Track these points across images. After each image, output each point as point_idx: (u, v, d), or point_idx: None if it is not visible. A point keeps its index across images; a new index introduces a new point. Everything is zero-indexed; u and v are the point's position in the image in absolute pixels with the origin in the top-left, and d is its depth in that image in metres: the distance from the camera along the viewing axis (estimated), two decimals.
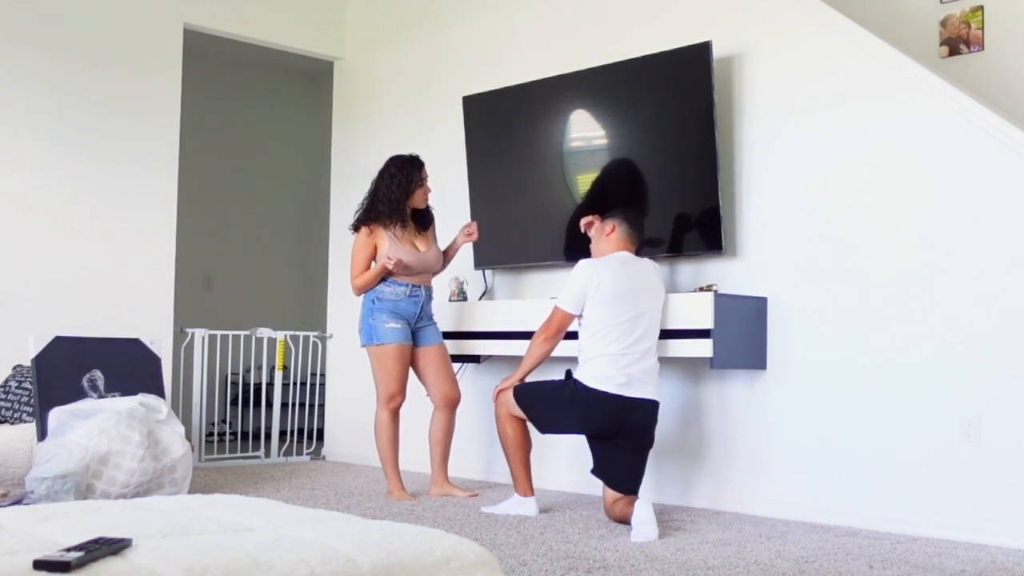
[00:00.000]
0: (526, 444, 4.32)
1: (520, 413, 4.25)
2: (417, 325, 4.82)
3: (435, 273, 4.96)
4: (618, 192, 4.90)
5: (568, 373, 4.17)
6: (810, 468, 4.28)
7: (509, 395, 4.25)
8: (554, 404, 4.18)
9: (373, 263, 4.77)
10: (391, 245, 4.72)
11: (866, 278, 4.17)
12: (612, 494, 4.06)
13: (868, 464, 4.11)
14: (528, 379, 4.32)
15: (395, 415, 4.82)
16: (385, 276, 4.72)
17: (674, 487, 4.69)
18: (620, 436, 4.07)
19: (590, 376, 4.05)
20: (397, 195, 4.74)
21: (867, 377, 4.14)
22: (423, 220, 4.89)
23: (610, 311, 4.07)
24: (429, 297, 4.87)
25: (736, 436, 4.52)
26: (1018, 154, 3.81)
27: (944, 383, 3.93)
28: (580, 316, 4.17)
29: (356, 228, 4.82)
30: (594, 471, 4.17)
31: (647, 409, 4.08)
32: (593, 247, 4.37)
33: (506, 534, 3.79)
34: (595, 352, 4.07)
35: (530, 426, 4.33)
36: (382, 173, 4.83)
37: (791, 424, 4.36)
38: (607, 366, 4.03)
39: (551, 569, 3.17)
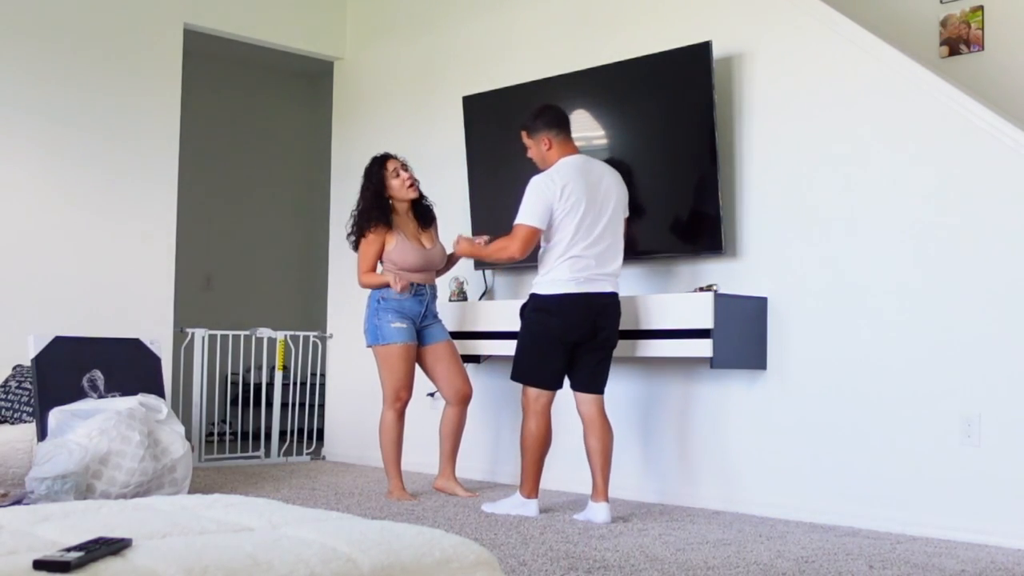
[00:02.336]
0: (544, 444, 4.27)
1: (532, 392, 4.22)
2: (422, 324, 4.82)
3: (438, 273, 4.97)
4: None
5: (523, 306, 4.28)
6: (810, 468, 4.28)
7: (521, 389, 4.27)
8: (533, 341, 4.24)
9: (379, 264, 4.80)
10: (398, 244, 4.73)
11: (866, 278, 4.17)
12: (583, 395, 4.22)
13: (868, 464, 4.11)
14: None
15: (401, 415, 4.82)
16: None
17: (674, 487, 4.69)
18: (594, 338, 4.18)
19: (551, 285, 4.16)
20: (371, 194, 4.77)
21: (867, 377, 4.14)
22: (425, 218, 4.90)
23: (571, 218, 4.14)
24: (434, 296, 4.87)
25: (736, 436, 4.52)
26: (1018, 154, 3.81)
27: (944, 383, 3.93)
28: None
29: (356, 243, 4.81)
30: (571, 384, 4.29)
31: (612, 303, 4.22)
32: (540, 165, 4.32)
33: (506, 534, 3.79)
34: (554, 257, 4.16)
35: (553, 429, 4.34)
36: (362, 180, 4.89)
37: (791, 424, 4.35)
38: (567, 270, 4.14)
39: (551, 569, 3.17)
